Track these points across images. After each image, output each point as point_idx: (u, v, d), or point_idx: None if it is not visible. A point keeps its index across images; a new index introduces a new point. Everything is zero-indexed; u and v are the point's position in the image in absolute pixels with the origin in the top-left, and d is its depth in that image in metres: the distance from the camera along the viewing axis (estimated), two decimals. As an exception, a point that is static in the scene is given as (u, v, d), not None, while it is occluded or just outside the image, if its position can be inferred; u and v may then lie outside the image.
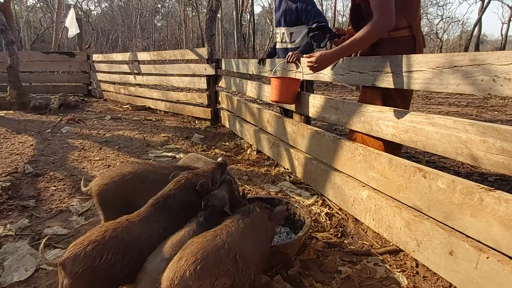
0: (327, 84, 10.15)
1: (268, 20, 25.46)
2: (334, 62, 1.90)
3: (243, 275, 1.07)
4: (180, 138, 3.82)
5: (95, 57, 7.41)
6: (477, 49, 16.66)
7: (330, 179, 2.09)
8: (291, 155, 2.61)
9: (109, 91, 6.90)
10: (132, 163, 1.63)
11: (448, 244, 1.30)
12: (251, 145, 3.41)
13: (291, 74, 2.65)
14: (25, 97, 5.45)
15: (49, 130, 4.04)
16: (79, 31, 7.16)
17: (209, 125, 4.54)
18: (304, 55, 2.08)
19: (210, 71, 4.35)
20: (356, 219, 1.90)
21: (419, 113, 1.51)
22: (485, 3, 16.17)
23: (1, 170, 2.60)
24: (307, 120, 2.69)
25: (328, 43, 2.08)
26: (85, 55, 7.41)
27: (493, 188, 1.18)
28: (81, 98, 6.84)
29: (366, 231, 1.82)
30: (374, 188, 1.75)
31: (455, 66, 1.33)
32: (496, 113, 5.68)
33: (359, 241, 1.75)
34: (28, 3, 26.15)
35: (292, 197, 2.26)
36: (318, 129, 2.32)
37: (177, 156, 3.15)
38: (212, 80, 4.45)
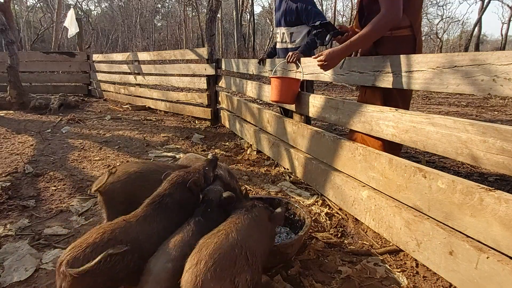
0: (327, 84, 10.15)
1: (268, 20, 25.46)
2: (343, 58, 1.89)
3: (254, 270, 1.10)
4: (180, 138, 3.82)
5: (95, 57, 7.40)
6: (477, 49, 16.67)
7: (330, 179, 2.09)
8: (291, 155, 2.61)
9: (109, 91, 6.90)
10: (137, 163, 1.64)
11: (448, 244, 1.30)
12: (251, 145, 3.41)
13: (291, 74, 2.65)
14: (25, 97, 5.45)
15: (49, 130, 4.04)
16: (78, 31, 7.17)
17: (209, 125, 4.54)
18: (313, 56, 2.09)
19: (210, 71, 4.35)
20: (356, 219, 1.90)
21: (419, 113, 1.50)
22: (485, 3, 16.18)
23: (1, 170, 2.60)
24: (307, 120, 2.69)
25: (331, 40, 2.08)
26: (85, 55, 7.41)
27: (493, 188, 1.18)
28: (81, 98, 6.84)
29: (366, 231, 1.82)
30: (374, 188, 1.75)
31: (455, 66, 1.33)
32: (496, 113, 5.68)
33: (359, 241, 1.75)
34: (28, 3, 26.17)
35: (292, 197, 2.26)
36: (318, 129, 2.32)
37: (177, 156, 3.15)
38: (212, 80, 4.45)
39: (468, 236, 1.25)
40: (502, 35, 20.46)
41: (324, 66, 1.87)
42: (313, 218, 1.97)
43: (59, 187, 2.37)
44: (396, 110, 1.62)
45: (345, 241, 1.76)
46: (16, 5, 21.42)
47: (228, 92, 4.59)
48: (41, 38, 19.07)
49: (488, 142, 1.19)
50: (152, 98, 5.74)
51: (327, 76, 2.21)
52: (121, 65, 6.54)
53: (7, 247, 1.64)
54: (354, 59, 1.98)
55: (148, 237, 1.17)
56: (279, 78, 2.50)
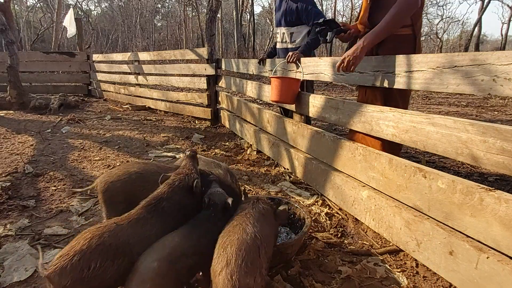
0: (327, 84, 10.15)
1: (268, 20, 25.46)
2: (369, 49, 1.79)
3: (268, 261, 1.14)
4: (180, 138, 3.82)
5: (95, 57, 7.40)
6: (477, 49, 16.67)
7: (330, 179, 2.09)
8: (291, 155, 2.60)
9: (109, 91, 6.90)
10: (138, 163, 1.63)
11: (448, 244, 1.30)
12: (251, 145, 3.41)
13: (291, 74, 2.65)
14: (25, 97, 5.45)
15: (49, 130, 4.04)
16: (77, 32, 7.17)
17: (209, 125, 4.54)
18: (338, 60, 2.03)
19: (210, 71, 4.35)
20: (356, 219, 1.90)
21: (419, 113, 1.50)
22: (485, 3, 16.18)
23: (1, 170, 2.60)
24: (307, 120, 2.69)
25: (333, 38, 2.07)
26: (85, 55, 7.41)
27: (493, 188, 1.18)
28: (81, 98, 6.84)
29: (366, 231, 1.82)
30: (374, 188, 1.75)
31: (456, 66, 1.33)
32: (496, 113, 5.68)
33: (359, 241, 1.75)
34: (28, 3, 26.18)
35: (292, 197, 2.26)
36: (318, 129, 2.32)
37: (177, 156, 3.15)
38: (212, 80, 4.45)
39: (468, 236, 1.25)
40: (502, 35, 20.47)
41: (353, 64, 1.76)
42: (313, 218, 1.97)
43: (59, 187, 2.37)
44: (396, 110, 1.62)
45: (345, 241, 1.76)
46: (16, 5, 21.43)
47: (228, 92, 4.59)
48: (41, 38, 19.07)
49: (488, 142, 1.19)
50: (152, 98, 5.74)
51: (327, 76, 2.21)
52: (121, 65, 6.54)
53: (7, 247, 1.64)
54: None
55: (139, 241, 1.14)
56: (279, 78, 2.50)
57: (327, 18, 2.02)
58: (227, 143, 3.65)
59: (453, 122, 1.31)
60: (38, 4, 22.92)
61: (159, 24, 33.41)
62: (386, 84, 1.72)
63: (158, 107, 5.60)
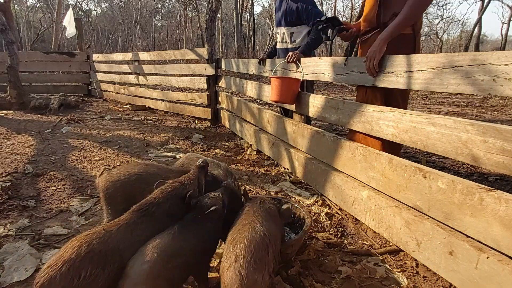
0: (327, 84, 10.15)
1: (268, 20, 25.46)
2: (388, 41, 1.75)
3: (276, 259, 1.15)
4: (180, 138, 3.82)
5: (95, 57, 7.41)
6: (477, 49, 16.67)
7: (330, 179, 2.09)
8: (291, 155, 2.60)
9: (109, 91, 6.90)
10: (140, 164, 1.63)
11: (448, 244, 1.30)
12: (251, 145, 3.41)
13: (292, 74, 2.65)
14: (25, 97, 5.45)
15: (49, 130, 4.04)
16: (76, 32, 7.16)
17: (209, 125, 4.54)
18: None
19: (210, 71, 4.35)
20: (356, 219, 1.90)
21: (419, 113, 1.50)
22: (485, 3, 16.18)
23: (1, 170, 2.60)
24: (307, 120, 2.69)
25: (336, 35, 2.07)
26: (85, 55, 7.41)
27: (493, 188, 1.18)
28: (81, 98, 6.84)
29: (366, 231, 1.82)
30: (374, 188, 1.75)
31: (456, 66, 1.33)
32: (496, 113, 5.68)
33: (359, 241, 1.75)
34: (28, 3, 26.18)
35: (292, 197, 2.26)
36: (318, 129, 2.32)
37: (177, 156, 3.15)
38: (212, 80, 4.45)
39: (468, 236, 1.25)
40: (502, 35, 20.48)
41: (377, 58, 1.72)
42: (313, 218, 1.97)
43: (59, 187, 2.37)
44: (396, 110, 1.62)
45: (345, 241, 1.76)
46: (16, 5, 21.43)
47: (228, 92, 4.59)
48: (41, 38, 19.07)
49: (488, 142, 1.19)
50: (152, 98, 5.74)
51: (327, 76, 2.21)
52: (121, 65, 6.54)
53: (7, 247, 1.64)
54: (354, 59, 1.98)
55: (129, 246, 1.12)
56: (279, 78, 2.50)
57: (330, 16, 2.02)
58: (227, 143, 3.65)
59: (453, 122, 1.31)
60: (38, 4, 22.93)
61: (159, 24, 33.43)
62: (386, 84, 1.72)
63: (158, 107, 5.60)
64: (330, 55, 3.86)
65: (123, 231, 1.15)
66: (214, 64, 4.31)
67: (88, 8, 30.75)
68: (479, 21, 16.40)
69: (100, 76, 7.16)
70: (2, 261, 1.53)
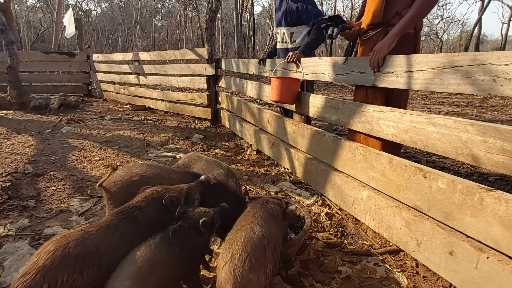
0: (327, 84, 10.15)
1: (268, 20, 25.46)
2: (398, 37, 1.76)
3: (275, 260, 1.15)
4: (180, 138, 3.82)
5: (95, 57, 7.40)
6: (477, 49, 16.67)
7: (330, 179, 2.09)
8: (291, 155, 2.60)
9: (109, 91, 6.90)
10: (142, 165, 1.62)
11: (448, 244, 1.30)
12: (251, 145, 3.41)
13: (292, 74, 2.65)
14: (25, 97, 5.45)
15: (49, 130, 4.04)
16: (75, 32, 7.16)
17: (209, 125, 4.54)
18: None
19: (210, 71, 4.35)
20: (356, 219, 1.90)
21: (419, 113, 1.50)
22: (485, 3, 16.18)
23: (1, 170, 2.60)
24: (307, 120, 2.69)
25: (338, 34, 2.06)
26: (85, 55, 7.41)
27: (493, 188, 1.18)
28: (81, 98, 6.84)
29: (366, 231, 1.82)
30: (374, 188, 1.75)
31: (456, 66, 1.33)
32: (496, 113, 5.68)
33: (359, 241, 1.75)
34: (28, 3, 26.18)
35: (292, 197, 2.26)
36: (318, 129, 2.32)
37: (177, 156, 3.15)
38: (212, 80, 4.45)
39: (468, 236, 1.25)
40: (502, 35, 20.47)
41: (381, 57, 1.73)
42: (313, 218, 1.97)
43: (59, 187, 2.37)
44: (396, 110, 1.63)
45: (345, 241, 1.76)
46: (16, 5, 21.43)
47: (228, 92, 4.59)
48: (41, 38, 19.07)
49: (488, 142, 1.19)
50: (152, 98, 5.74)
51: (327, 76, 2.21)
52: (121, 65, 6.54)
53: (7, 247, 1.64)
54: (354, 59, 1.98)
55: (109, 249, 1.08)
56: (279, 78, 2.50)
57: (333, 14, 2.02)
58: (227, 143, 3.65)
59: (453, 122, 1.31)
60: (38, 4, 22.93)
61: (159, 24, 33.42)
62: (386, 84, 1.72)
63: (158, 107, 5.60)
64: (330, 55, 3.86)
65: (103, 233, 1.11)
66: (214, 64, 4.31)
67: (88, 8, 30.77)
68: (479, 21, 16.40)
69: (100, 76, 7.16)
70: (2, 261, 1.53)
